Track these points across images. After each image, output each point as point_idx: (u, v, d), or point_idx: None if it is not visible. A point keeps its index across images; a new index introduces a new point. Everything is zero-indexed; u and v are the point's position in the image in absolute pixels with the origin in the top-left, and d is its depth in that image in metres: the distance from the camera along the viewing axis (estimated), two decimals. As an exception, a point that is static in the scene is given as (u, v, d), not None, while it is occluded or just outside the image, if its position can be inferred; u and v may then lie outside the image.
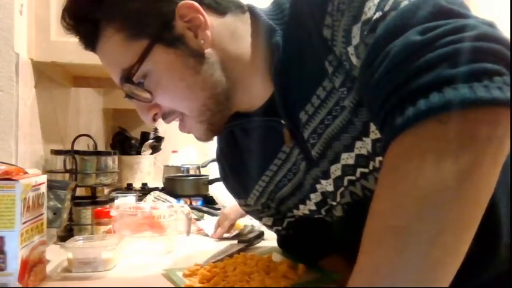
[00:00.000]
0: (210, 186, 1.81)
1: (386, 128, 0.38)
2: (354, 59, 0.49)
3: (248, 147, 0.71)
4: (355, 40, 0.48)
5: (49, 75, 1.09)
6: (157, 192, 1.41)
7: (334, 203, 0.63)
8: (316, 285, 0.71)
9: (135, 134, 2.40)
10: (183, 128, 0.64)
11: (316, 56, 0.55)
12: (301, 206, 0.70)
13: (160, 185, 1.85)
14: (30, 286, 0.66)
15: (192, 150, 2.46)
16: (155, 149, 2.34)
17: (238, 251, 0.91)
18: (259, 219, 0.82)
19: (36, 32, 0.93)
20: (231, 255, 0.85)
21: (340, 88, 0.53)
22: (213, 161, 2.01)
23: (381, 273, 0.34)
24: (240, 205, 0.83)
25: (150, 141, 2.30)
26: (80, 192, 1.09)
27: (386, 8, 0.43)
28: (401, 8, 0.41)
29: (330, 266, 0.76)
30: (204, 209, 1.39)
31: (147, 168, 2.27)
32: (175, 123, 0.66)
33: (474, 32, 0.35)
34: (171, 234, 0.93)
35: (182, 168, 2.06)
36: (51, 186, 0.89)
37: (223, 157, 0.80)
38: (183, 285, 0.69)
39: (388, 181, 0.37)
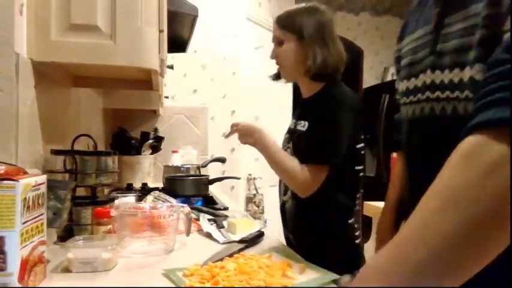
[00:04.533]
0: (210, 186, 1.81)
1: (470, 121, 0.41)
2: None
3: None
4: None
5: (49, 75, 1.09)
6: (157, 192, 1.41)
7: (415, 99, 0.77)
8: (316, 285, 0.71)
9: (135, 134, 2.40)
10: None
11: None
12: (413, 79, 0.81)
13: (160, 185, 1.86)
14: (30, 286, 0.66)
15: (192, 150, 2.47)
16: (155, 149, 2.34)
17: (238, 251, 0.91)
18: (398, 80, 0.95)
19: (36, 32, 0.93)
20: (231, 255, 0.85)
21: (481, 19, 0.62)
22: (213, 161, 2.02)
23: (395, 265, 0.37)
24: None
25: (150, 141, 2.30)
26: (80, 192, 1.09)
27: None
28: None
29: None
30: (204, 209, 1.39)
31: (147, 168, 2.27)
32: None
33: None
34: (171, 234, 0.93)
35: (182, 168, 2.06)
36: (51, 186, 0.89)
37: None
38: (183, 285, 0.69)
39: (440, 177, 0.39)
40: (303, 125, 1.24)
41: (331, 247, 1.18)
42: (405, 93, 0.83)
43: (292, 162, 1.16)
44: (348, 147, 1.17)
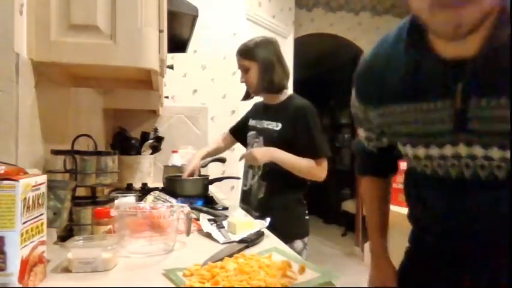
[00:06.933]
0: (210, 186, 1.81)
1: None
2: None
3: (427, 65, 0.73)
4: None
5: (49, 75, 1.09)
6: (157, 192, 1.41)
7: (449, 163, 0.74)
8: (316, 285, 0.71)
9: (135, 134, 2.40)
10: (461, 9, 0.60)
11: None
12: (433, 146, 0.76)
13: (160, 185, 1.85)
14: (30, 286, 0.66)
15: (192, 150, 2.47)
16: (155, 149, 2.34)
17: (238, 251, 0.91)
18: (359, 124, 0.95)
19: (36, 32, 0.93)
20: (231, 255, 0.85)
21: None
22: (213, 161, 2.02)
23: None
24: (353, 104, 0.92)
25: (150, 141, 2.30)
26: (80, 192, 1.09)
27: None
28: None
29: None
30: (204, 209, 1.39)
31: (147, 168, 2.27)
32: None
33: None
34: (171, 234, 0.93)
35: (182, 168, 2.06)
36: (51, 186, 0.89)
37: (385, 59, 0.81)
38: (183, 285, 0.69)
39: None
40: (276, 125, 1.66)
41: (290, 218, 1.62)
42: (426, 157, 0.78)
43: (307, 162, 1.59)
44: None
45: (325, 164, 1.62)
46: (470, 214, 0.74)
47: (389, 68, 0.79)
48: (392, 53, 0.78)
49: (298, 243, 1.61)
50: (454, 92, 0.69)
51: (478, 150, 0.70)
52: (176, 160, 2.23)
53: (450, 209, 0.77)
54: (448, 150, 0.73)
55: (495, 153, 0.68)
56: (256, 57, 1.67)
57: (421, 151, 0.78)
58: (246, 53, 1.70)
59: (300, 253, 1.58)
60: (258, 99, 1.87)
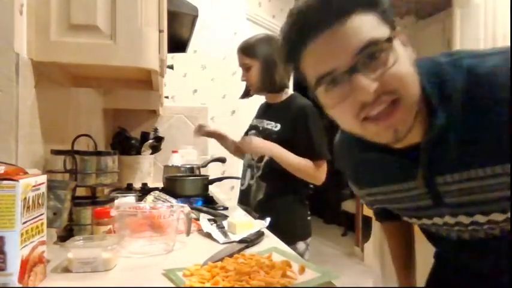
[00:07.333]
0: (210, 186, 1.81)
1: None
2: None
3: (384, 159, 0.73)
4: None
5: (49, 75, 1.09)
6: (157, 192, 1.40)
7: (444, 228, 0.77)
8: (316, 285, 0.71)
9: (135, 134, 2.40)
10: (389, 117, 0.59)
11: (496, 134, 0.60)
12: (425, 219, 0.79)
13: (160, 185, 1.85)
14: (30, 286, 0.66)
15: (192, 150, 2.47)
16: (155, 149, 2.34)
17: (238, 251, 0.91)
18: (356, 195, 1.00)
19: (36, 32, 0.93)
20: (231, 255, 0.85)
21: None
22: (213, 161, 2.02)
23: None
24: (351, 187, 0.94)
25: (150, 141, 2.30)
26: (80, 192, 1.09)
27: None
28: None
29: None
30: (204, 209, 1.39)
31: (147, 168, 2.27)
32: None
33: None
34: (171, 234, 0.93)
35: (183, 168, 2.06)
36: (51, 186, 0.89)
37: (357, 148, 0.80)
38: (183, 285, 0.69)
39: None
40: (275, 126, 1.63)
41: (292, 220, 1.61)
42: (422, 225, 0.82)
43: (305, 162, 1.55)
44: None
45: (324, 166, 1.58)
46: (481, 258, 0.77)
47: (352, 158, 0.83)
48: (350, 147, 0.80)
49: (301, 245, 1.60)
50: (416, 174, 0.69)
51: (464, 219, 0.71)
52: (176, 160, 2.23)
53: (459, 255, 0.82)
54: (438, 221, 0.75)
55: (480, 218, 0.69)
56: (257, 54, 1.63)
57: (415, 221, 0.82)
58: (247, 50, 1.66)
59: (302, 254, 1.56)
60: (257, 97, 1.86)
